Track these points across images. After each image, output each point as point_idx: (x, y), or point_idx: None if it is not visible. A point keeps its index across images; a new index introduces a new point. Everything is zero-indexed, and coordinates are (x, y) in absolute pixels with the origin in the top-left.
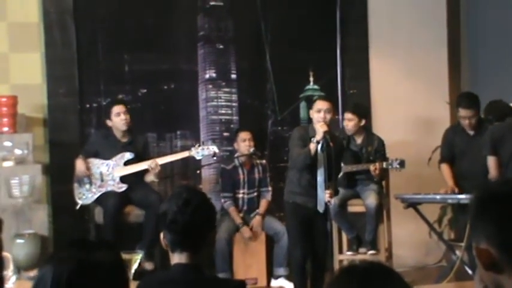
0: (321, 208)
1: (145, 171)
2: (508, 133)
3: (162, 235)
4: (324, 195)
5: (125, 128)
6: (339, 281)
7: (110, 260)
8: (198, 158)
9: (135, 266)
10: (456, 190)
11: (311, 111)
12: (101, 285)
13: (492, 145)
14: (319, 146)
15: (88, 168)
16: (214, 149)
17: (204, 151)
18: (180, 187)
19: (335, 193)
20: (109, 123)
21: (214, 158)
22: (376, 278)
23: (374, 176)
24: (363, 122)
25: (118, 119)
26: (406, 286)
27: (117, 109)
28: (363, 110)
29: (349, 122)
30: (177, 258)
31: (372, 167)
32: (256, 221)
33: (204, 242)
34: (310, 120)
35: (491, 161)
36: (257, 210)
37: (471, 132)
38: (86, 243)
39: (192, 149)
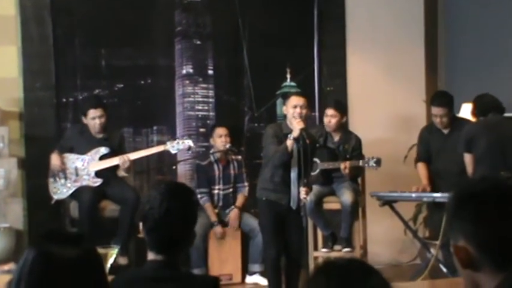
0: (294, 205)
1: (119, 166)
2: (480, 132)
3: (141, 226)
4: (296, 192)
5: (99, 131)
6: (317, 277)
7: (74, 255)
8: (173, 152)
9: (111, 261)
10: (428, 189)
11: (285, 108)
12: (63, 278)
13: (466, 143)
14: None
15: (63, 163)
16: (189, 142)
17: (179, 145)
18: (164, 187)
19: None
20: (84, 120)
21: (190, 151)
22: (355, 275)
23: (345, 175)
24: (344, 118)
25: (93, 122)
26: (384, 282)
27: (93, 113)
28: (344, 107)
29: (332, 118)
30: (152, 255)
31: (342, 166)
32: (233, 213)
33: (182, 247)
34: (286, 117)
35: (467, 159)
36: (235, 204)
37: (445, 131)
38: (54, 235)
39: (168, 143)
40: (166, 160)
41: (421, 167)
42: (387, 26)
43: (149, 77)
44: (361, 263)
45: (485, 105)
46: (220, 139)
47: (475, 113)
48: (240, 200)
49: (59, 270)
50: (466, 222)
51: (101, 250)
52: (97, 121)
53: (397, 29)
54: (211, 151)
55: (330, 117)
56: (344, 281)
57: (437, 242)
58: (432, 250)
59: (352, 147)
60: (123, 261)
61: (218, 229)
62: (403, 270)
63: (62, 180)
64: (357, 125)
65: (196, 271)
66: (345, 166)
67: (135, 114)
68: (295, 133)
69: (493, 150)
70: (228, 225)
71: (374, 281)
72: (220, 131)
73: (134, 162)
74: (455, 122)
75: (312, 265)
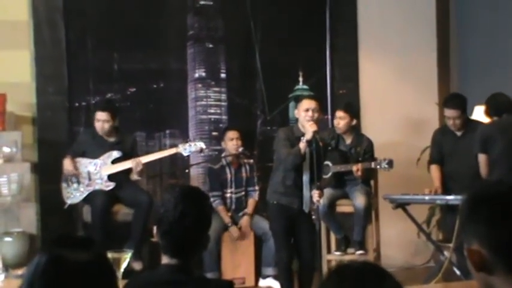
0: (306, 208)
1: (132, 169)
2: (496, 133)
3: (155, 230)
4: (309, 195)
5: (103, 134)
6: (331, 281)
7: (84, 259)
8: (185, 154)
9: (124, 265)
10: (439, 191)
11: (296, 111)
12: (74, 282)
13: (482, 144)
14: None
15: (76, 168)
16: (201, 145)
17: (192, 147)
18: (179, 190)
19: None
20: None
21: (202, 154)
22: (369, 278)
23: (357, 177)
24: (354, 121)
25: (96, 124)
26: (398, 286)
27: (98, 116)
28: (355, 109)
29: (341, 120)
30: (166, 259)
31: (354, 168)
32: (244, 221)
33: (196, 250)
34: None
35: (481, 159)
36: (245, 210)
37: (458, 133)
38: (64, 239)
39: (180, 145)
40: (179, 164)
41: (434, 169)
42: (399, 28)
43: (162, 80)
44: (374, 267)
45: (499, 105)
46: (231, 142)
47: (488, 113)
48: (250, 206)
49: (70, 274)
50: (480, 225)
51: (114, 254)
52: (100, 124)
53: (409, 32)
54: (222, 155)
55: (339, 119)
56: (357, 284)
57: (451, 245)
58: (446, 253)
59: (364, 149)
60: (137, 266)
61: (234, 229)
62: (416, 273)
63: (75, 185)
64: (370, 128)
65: (209, 275)
66: (357, 168)
67: (148, 118)
68: (308, 136)
69: (509, 152)
70: (241, 229)
71: (387, 284)
72: (232, 134)
73: (147, 165)
74: (469, 124)
75: (325, 268)
